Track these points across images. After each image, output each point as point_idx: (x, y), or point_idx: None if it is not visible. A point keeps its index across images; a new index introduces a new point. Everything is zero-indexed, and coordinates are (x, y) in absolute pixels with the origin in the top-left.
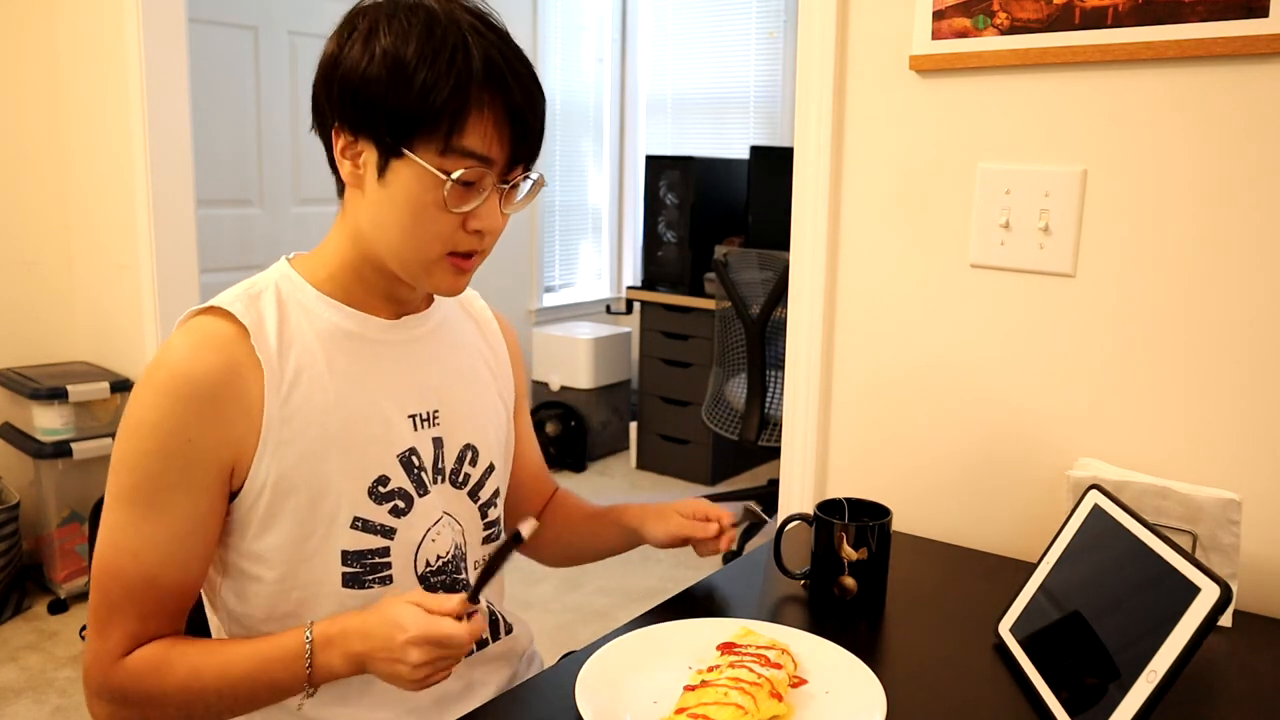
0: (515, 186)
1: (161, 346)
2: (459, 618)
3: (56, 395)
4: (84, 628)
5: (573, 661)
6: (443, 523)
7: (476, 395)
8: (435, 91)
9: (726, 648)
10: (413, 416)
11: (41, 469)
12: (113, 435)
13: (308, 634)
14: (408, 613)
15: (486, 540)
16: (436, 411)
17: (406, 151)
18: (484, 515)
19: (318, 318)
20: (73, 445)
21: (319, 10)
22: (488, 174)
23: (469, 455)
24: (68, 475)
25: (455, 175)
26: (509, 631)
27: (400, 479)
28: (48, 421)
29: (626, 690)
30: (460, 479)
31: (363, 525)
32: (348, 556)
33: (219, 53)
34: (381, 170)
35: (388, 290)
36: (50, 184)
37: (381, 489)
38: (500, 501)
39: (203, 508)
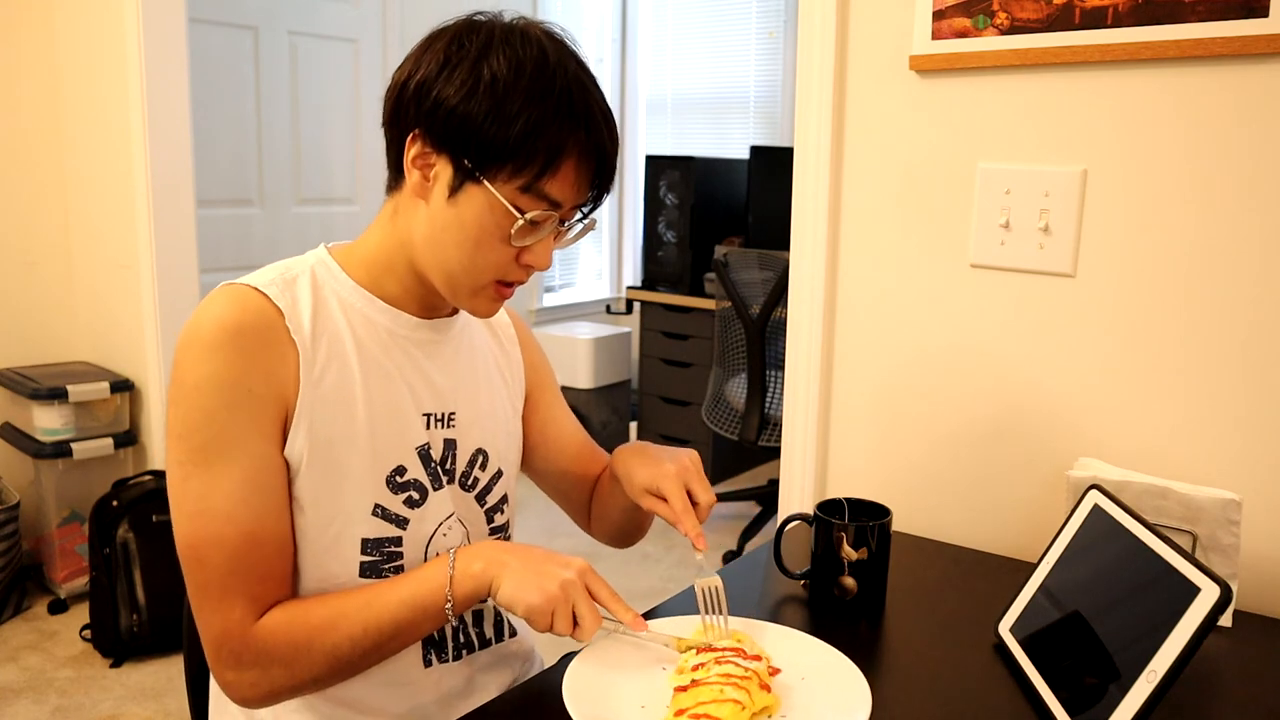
0: (570, 226)
1: (198, 309)
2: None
3: (56, 395)
4: (85, 627)
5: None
6: (453, 520)
7: (490, 400)
8: (538, 134)
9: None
10: (427, 415)
11: (41, 469)
12: (113, 435)
13: (450, 550)
14: (578, 559)
15: None
16: (453, 414)
17: (485, 181)
18: (490, 520)
19: (351, 308)
20: (73, 445)
21: (319, 10)
22: (554, 217)
23: (480, 459)
24: (68, 475)
25: (529, 216)
26: (513, 634)
27: (417, 470)
28: (48, 421)
29: (613, 699)
30: (469, 482)
31: (382, 513)
32: (367, 544)
33: (219, 53)
34: (454, 190)
35: (421, 295)
36: (50, 184)
37: (399, 479)
38: (508, 507)
39: (275, 457)
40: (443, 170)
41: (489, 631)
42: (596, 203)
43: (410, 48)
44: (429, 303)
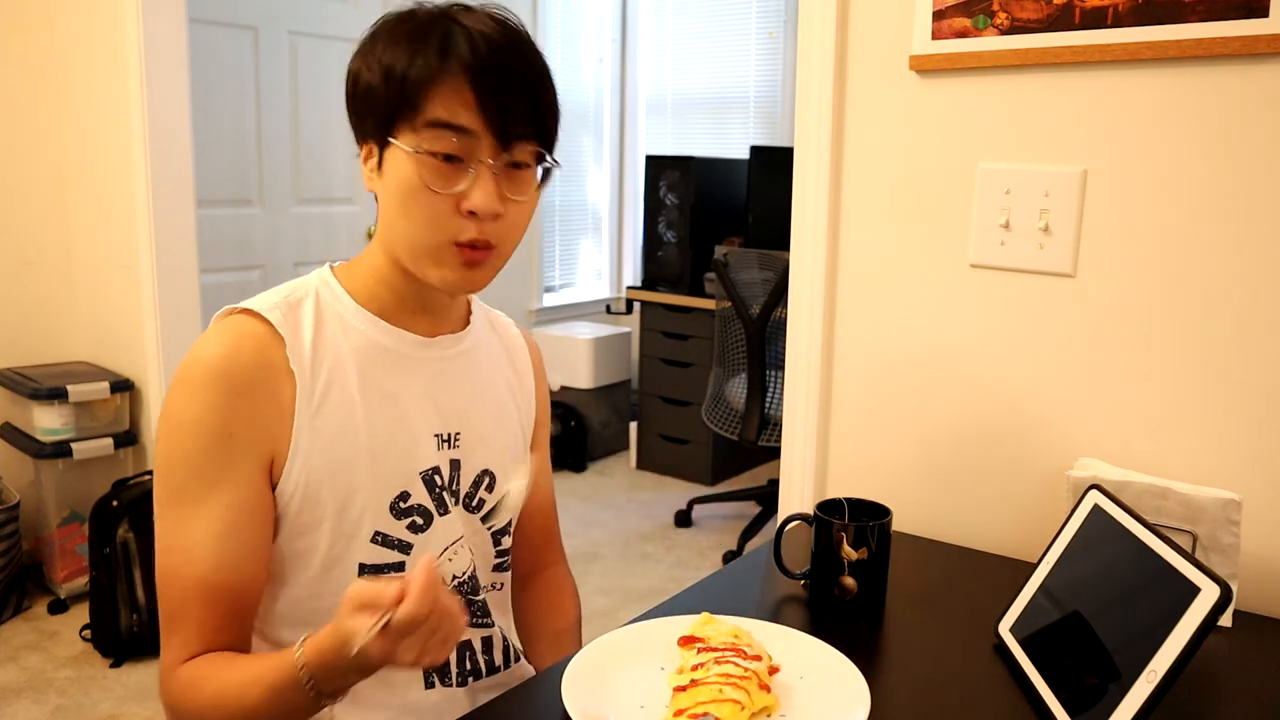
0: (520, 168)
1: (197, 341)
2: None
3: (56, 395)
4: (85, 627)
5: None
6: (461, 543)
7: (499, 422)
8: (404, 72)
9: (687, 641)
10: (437, 435)
11: (41, 469)
12: (113, 435)
13: (299, 662)
14: (353, 623)
15: (497, 569)
16: (458, 434)
17: (391, 140)
18: (497, 543)
19: (354, 330)
20: (73, 445)
21: (319, 10)
22: (471, 147)
23: (486, 481)
24: (68, 475)
25: (426, 147)
26: (518, 659)
27: (421, 496)
28: (48, 421)
29: (612, 699)
30: (475, 504)
31: (382, 540)
32: (365, 570)
33: (219, 53)
34: (380, 164)
35: (419, 300)
36: (50, 184)
37: (402, 504)
38: (513, 531)
39: (249, 501)
40: (374, 155)
41: (498, 659)
42: (529, 131)
43: None
44: (430, 309)
